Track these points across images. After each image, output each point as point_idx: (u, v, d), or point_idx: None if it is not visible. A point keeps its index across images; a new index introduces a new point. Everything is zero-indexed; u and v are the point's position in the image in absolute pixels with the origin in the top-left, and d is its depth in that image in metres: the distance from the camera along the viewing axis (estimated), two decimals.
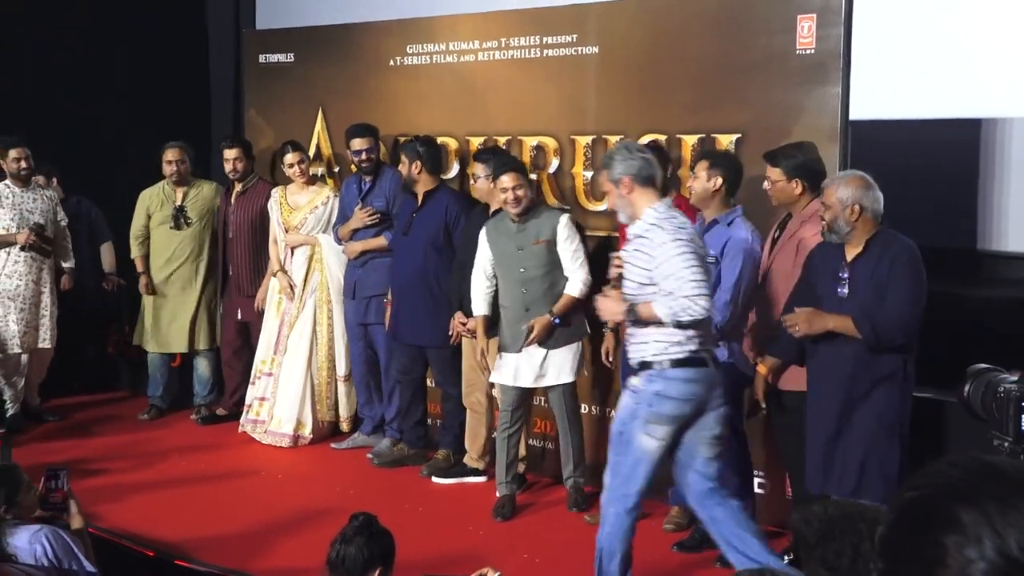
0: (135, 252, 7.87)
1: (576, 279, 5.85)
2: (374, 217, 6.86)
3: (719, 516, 4.59)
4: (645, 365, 4.47)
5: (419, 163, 6.54)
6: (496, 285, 6.05)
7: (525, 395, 6.06)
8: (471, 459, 6.54)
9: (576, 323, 5.93)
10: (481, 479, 6.48)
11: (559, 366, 5.92)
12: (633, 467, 4.52)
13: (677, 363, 4.43)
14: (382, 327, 6.88)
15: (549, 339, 5.88)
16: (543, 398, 6.22)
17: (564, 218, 5.91)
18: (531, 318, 5.87)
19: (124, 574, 5.25)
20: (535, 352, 5.90)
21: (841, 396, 4.64)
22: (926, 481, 1.36)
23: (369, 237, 6.92)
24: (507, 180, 5.85)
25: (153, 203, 7.81)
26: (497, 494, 6.06)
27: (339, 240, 7.06)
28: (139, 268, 7.87)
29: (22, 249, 7.33)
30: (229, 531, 5.72)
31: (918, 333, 4.61)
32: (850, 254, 4.65)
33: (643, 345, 4.48)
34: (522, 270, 5.93)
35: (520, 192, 5.85)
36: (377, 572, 3.65)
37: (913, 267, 4.54)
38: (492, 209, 6.25)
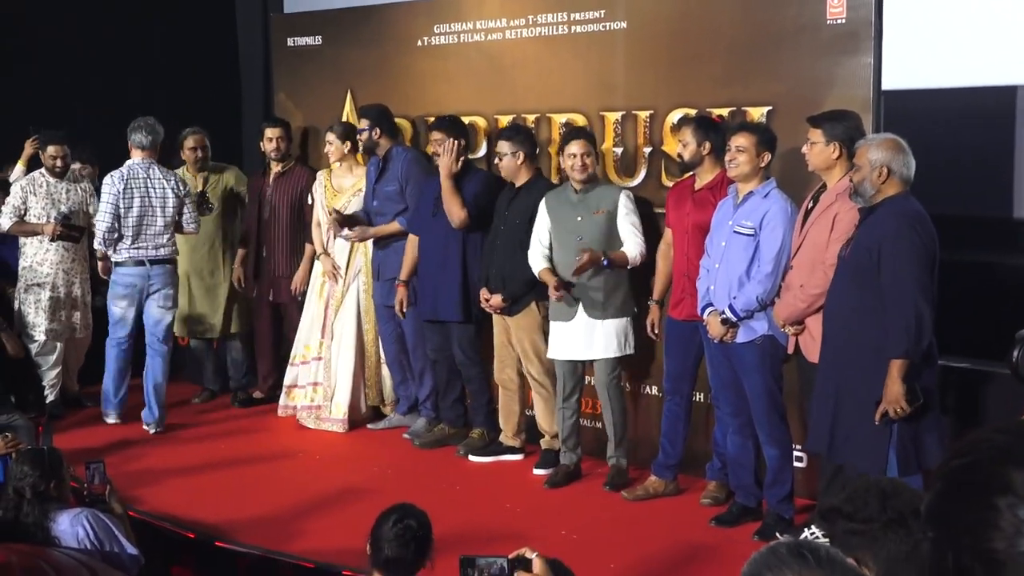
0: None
1: (636, 246, 5.88)
2: (337, 219, 6.92)
3: (150, 363, 7.26)
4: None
5: (463, 140, 6.56)
6: (551, 254, 6.07)
7: (577, 368, 6.08)
8: (507, 437, 6.56)
9: (622, 298, 5.94)
10: (518, 457, 6.49)
11: (605, 340, 5.93)
12: (114, 325, 7.28)
13: (117, 264, 7.15)
14: (407, 309, 6.88)
15: (596, 304, 5.91)
16: (590, 377, 6.23)
17: (624, 192, 5.96)
18: (582, 287, 5.92)
19: (165, 556, 5.32)
20: (581, 322, 5.94)
21: (837, 364, 4.69)
22: (973, 448, 1.35)
23: (384, 222, 6.93)
24: (575, 147, 5.91)
25: None
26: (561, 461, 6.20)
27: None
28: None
29: (51, 240, 7.38)
30: (269, 513, 5.76)
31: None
32: (862, 215, 4.64)
33: None
34: (579, 238, 5.94)
35: (588, 160, 5.88)
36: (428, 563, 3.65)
37: (912, 239, 4.45)
38: (517, 185, 6.27)
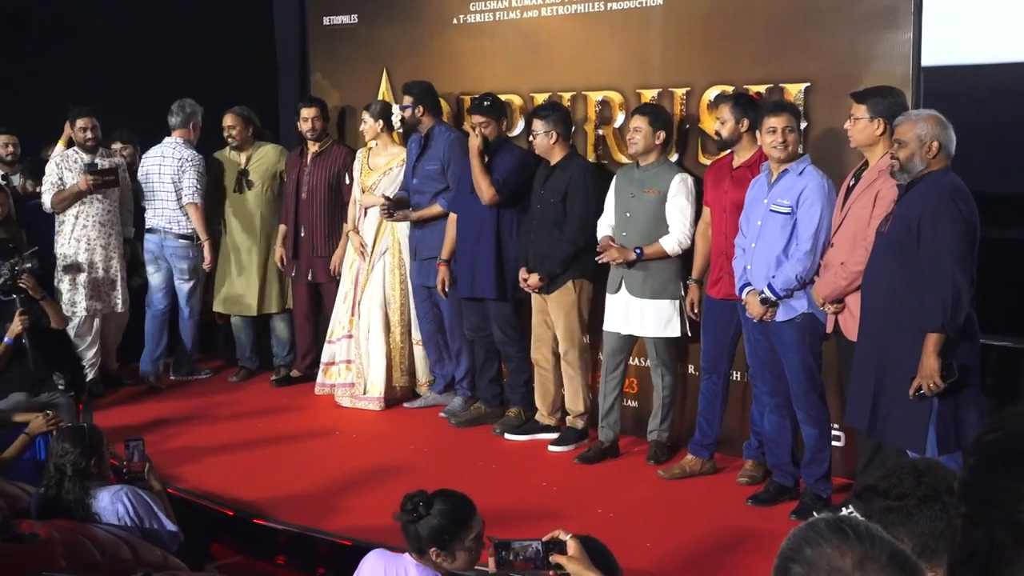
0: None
1: (674, 234, 5.85)
2: (383, 205, 6.91)
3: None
4: None
5: (504, 120, 6.57)
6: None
7: (622, 342, 6.08)
8: (542, 416, 6.56)
9: (665, 280, 5.92)
10: (553, 436, 6.48)
11: (648, 318, 5.93)
12: (150, 291, 7.88)
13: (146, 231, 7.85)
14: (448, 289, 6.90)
15: (635, 282, 5.92)
16: (641, 359, 6.21)
17: (681, 175, 5.89)
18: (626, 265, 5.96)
19: (204, 533, 5.36)
20: (623, 297, 5.96)
21: (878, 340, 4.64)
22: (1004, 422, 1.35)
23: (424, 200, 6.92)
24: (631, 121, 5.94)
25: (219, 167, 7.93)
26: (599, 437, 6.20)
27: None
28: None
29: (89, 192, 7.42)
30: (306, 490, 5.80)
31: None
32: (901, 191, 4.59)
33: None
34: (628, 215, 5.96)
35: (638, 135, 5.85)
36: (432, 551, 3.56)
37: (953, 213, 4.40)
38: (552, 164, 6.25)
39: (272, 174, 7.90)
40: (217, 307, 8.10)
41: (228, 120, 7.82)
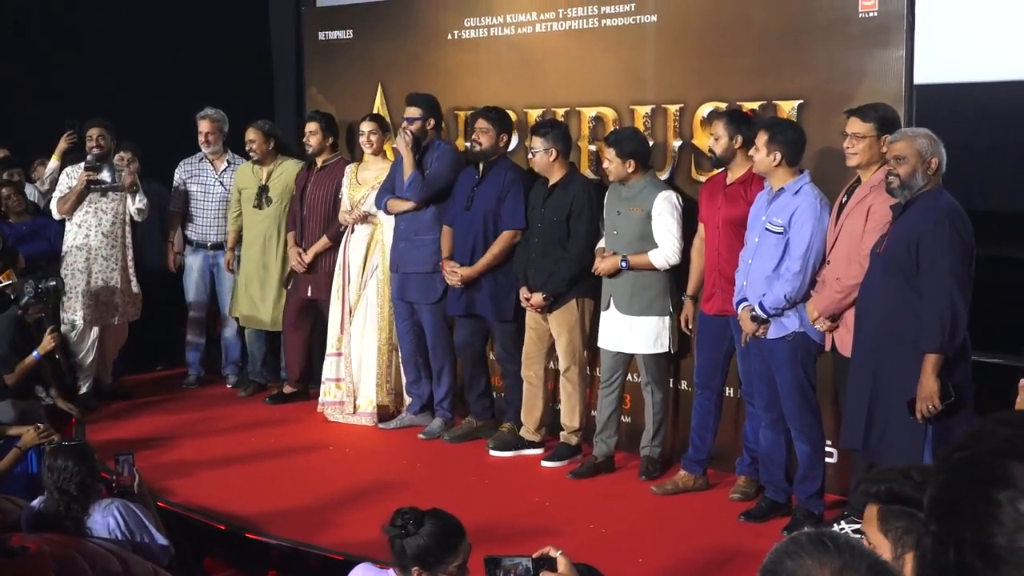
0: (228, 227, 8.02)
1: (662, 250, 5.85)
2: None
3: None
4: None
5: (506, 136, 6.55)
6: None
7: (617, 359, 6.08)
8: (527, 432, 6.53)
9: (653, 297, 5.92)
10: (538, 451, 6.47)
11: (637, 335, 5.93)
12: None
13: None
14: (428, 307, 6.84)
15: (623, 300, 5.93)
16: (634, 374, 6.22)
17: (664, 193, 5.88)
18: (614, 282, 5.98)
19: (196, 547, 5.35)
20: (614, 315, 5.98)
21: (873, 360, 4.66)
22: (975, 440, 1.34)
23: (410, 216, 6.83)
24: (604, 152, 5.95)
25: (243, 180, 7.90)
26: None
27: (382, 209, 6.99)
28: (228, 243, 8.02)
29: (87, 190, 7.42)
30: (299, 505, 5.78)
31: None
32: (896, 211, 4.60)
33: None
34: (615, 232, 5.98)
35: (611, 167, 5.87)
36: (415, 570, 3.50)
37: (952, 234, 4.43)
38: (551, 183, 6.24)
39: (291, 190, 7.78)
40: (241, 320, 8.07)
41: (249, 135, 7.77)
